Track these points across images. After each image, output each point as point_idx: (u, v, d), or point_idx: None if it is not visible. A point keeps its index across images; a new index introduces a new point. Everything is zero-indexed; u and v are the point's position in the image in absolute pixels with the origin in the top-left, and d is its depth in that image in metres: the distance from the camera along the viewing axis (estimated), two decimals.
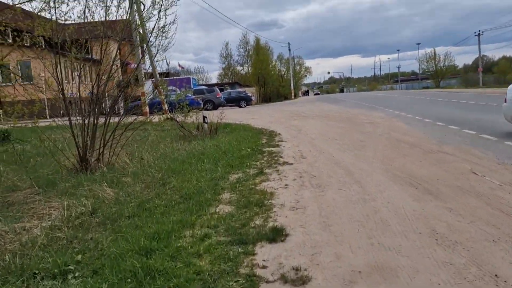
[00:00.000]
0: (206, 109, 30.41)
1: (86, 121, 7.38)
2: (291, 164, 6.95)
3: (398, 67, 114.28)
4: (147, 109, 17.82)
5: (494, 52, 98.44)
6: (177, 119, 11.82)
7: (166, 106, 17.90)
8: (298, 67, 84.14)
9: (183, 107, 11.69)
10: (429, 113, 14.07)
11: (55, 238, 3.90)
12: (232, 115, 20.33)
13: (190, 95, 27.99)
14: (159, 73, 49.12)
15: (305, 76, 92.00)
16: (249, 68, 71.03)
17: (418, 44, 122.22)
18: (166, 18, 8.61)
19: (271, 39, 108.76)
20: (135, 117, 9.62)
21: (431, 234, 3.48)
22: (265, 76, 59.64)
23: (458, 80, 74.30)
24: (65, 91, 7.54)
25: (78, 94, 8.20)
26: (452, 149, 7.27)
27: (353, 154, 7.49)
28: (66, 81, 7.97)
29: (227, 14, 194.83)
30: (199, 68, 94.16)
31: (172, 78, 40.65)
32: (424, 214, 3.99)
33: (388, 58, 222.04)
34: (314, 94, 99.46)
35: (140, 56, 15.51)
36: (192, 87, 34.24)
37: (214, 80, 77.80)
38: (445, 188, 4.83)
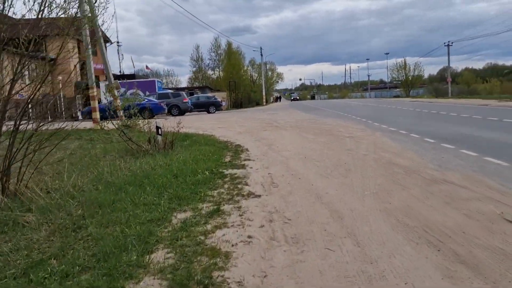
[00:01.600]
0: (172, 115, 28.51)
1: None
2: (259, 196, 5.30)
3: (368, 76, 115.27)
4: (97, 115, 15.75)
5: (457, 64, 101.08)
6: (127, 128, 9.97)
7: (121, 112, 15.94)
8: (270, 73, 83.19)
9: (131, 115, 9.82)
10: (413, 127, 12.77)
11: None
12: (197, 122, 18.57)
13: (153, 99, 26.01)
14: (123, 75, 46.95)
15: (277, 82, 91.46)
16: (221, 73, 69.46)
17: (387, 54, 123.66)
18: None
19: (243, 43, 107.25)
20: (64, 124, 7.72)
21: None
22: (236, 81, 58.12)
23: (425, 89, 75.22)
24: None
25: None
26: (460, 178, 5.80)
27: (337, 182, 5.92)
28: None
29: (201, 18, 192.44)
30: (169, 71, 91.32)
31: (133, 80, 38.36)
32: None
33: (358, 67, 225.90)
34: (292, 100, 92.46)
35: (90, 51, 13.58)
36: (157, 90, 32.22)
37: (184, 84, 75.82)
38: (481, 252, 3.28)
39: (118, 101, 15.99)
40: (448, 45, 55.53)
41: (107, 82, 37.31)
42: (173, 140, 9.71)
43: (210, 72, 72.81)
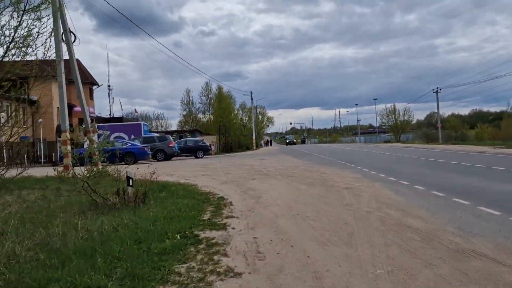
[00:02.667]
0: (157, 160, 27.25)
1: None
2: (239, 275, 4.06)
3: (358, 120, 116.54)
4: (69, 161, 14.40)
5: (444, 110, 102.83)
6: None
7: (99, 158, 14.69)
8: (260, 116, 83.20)
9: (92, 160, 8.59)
10: (414, 176, 11.71)
11: None
12: (181, 169, 17.34)
13: (136, 143, 24.85)
14: (111, 118, 45.98)
15: (268, 126, 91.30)
16: (211, 116, 69.04)
17: (375, 99, 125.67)
18: None
19: (234, 87, 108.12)
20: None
21: None
22: (226, 125, 57.49)
23: (414, 134, 75.34)
24: None
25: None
26: (493, 248, 4.63)
27: (339, 252, 4.70)
28: None
29: (193, 64, 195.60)
30: (159, 114, 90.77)
31: (117, 123, 37.38)
32: None
33: (347, 111, 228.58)
34: (288, 143, 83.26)
35: (63, 91, 12.65)
36: (143, 134, 31.14)
37: (174, 127, 75.06)
38: None
39: (94, 145, 14.79)
40: (436, 92, 55.96)
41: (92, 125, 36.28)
42: (146, 192, 8.46)
43: (200, 115, 72.43)
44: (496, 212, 6.42)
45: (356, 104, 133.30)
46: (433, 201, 7.61)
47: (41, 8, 6.61)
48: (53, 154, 29.72)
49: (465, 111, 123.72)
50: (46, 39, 6.73)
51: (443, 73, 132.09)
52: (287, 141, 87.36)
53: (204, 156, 33.79)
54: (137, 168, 9.99)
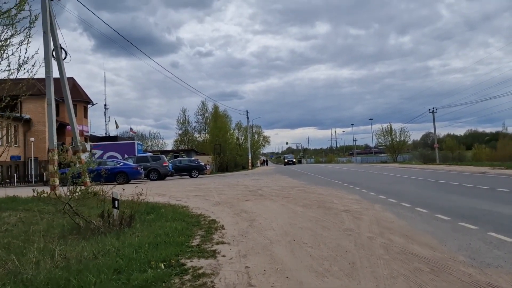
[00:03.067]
0: (150, 179, 26.68)
1: None
2: None
3: (355, 141, 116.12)
4: (56, 181, 13.92)
5: (439, 130, 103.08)
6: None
7: (87, 177, 14.16)
8: (256, 136, 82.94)
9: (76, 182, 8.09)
10: (416, 198, 11.25)
11: None
12: (173, 189, 16.81)
13: (128, 163, 24.32)
14: (105, 137, 45.53)
15: (264, 145, 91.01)
16: (207, 136, 68.69)
17: (371, 119, 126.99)
18: None
19: (230, 107, 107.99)
20: None
21: None
22: (222, 144, 57.10)
23: (409, 154, 75.19)
24: None
25: None
26: (511, 281, 4.16)
27: (340, 286, 4.20)
28: None
29: (189, 83, 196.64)
30: (154, 133, 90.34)
31: (110, 143, 36.87)
32: None
33: (343, 131, 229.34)
34: (286, 163, 77.68)
35: (52, 108, 12.24)
36: (136, 153, 30.64)
37: (170, 147, 74.74)
38: None
39: (84, 165, 14.28)
40: (433, 111, 55.97)
41: (89, 144, 35.69)
42: (133, 214, 7.95)
43: (196, 135, 72.10)
44: (508, 238, 5.95)
45: (352, 124, 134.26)
46: (439, 226, 7.13)
47: (31, 26, 6.28)
48: (44, 173, 29.08)
49: (460, 131, 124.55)
50: (33, 55, 6.40)
51: (437, 94, 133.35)
52: (286, 160, 78.74)
53: (199, 176, 33.28)
54: (123, 189, 9.49)
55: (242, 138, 72.95)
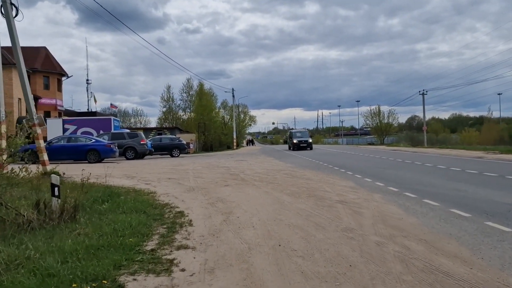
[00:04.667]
0: (126, 158, 24.91)
1: None
2: None
3: (342, 122, 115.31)
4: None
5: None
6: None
7: (44, 156, 12.42)
8: (242, 115, 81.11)
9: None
10: (418, 186, 9.85)
11: None
12: (146, 170, 15.16)
13: (101, 139, 22.47)
14: (81, 112, 43.33)
15: (250, 125, 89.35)
16: (192, 114, 66.60)
17: (358, 101, 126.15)
18: None
19: (216, 84, 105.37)
20: None
21: None
22: (206, 123, 55.26)
23: (395, 136, 74.51)
24: None
25: None
26: None
27: None
28: None
29: (176, 61, 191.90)
30: (138, 110, 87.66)
31: (83, 118, 34.75)
32: None
33: (330, 113, 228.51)
34: (297, 145, 39.43)
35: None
36: (112, 129, 28.70)
37: (153, 124, 72.55)
38: None
39: (41, 141, 12.49)
40: (423, 94, 54.65)
41: (57, 118, 33.46)
42: (77, 204, 6.32)
43: (181, 112, 69.86)
44: None
45: (339, 106, 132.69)
46: (461, 226, 5.69)
47: None
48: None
49: (445, 115, 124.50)
50: None
51: (424, 78, 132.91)
52: (295, 141, 40.18)
53: (181, 155, 31.59)
54: (83, 170, 7.84)
55: (228, 117, 71.08)
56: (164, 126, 62.44)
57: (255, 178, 12.06)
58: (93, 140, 20.99)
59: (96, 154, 20.29)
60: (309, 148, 38.49)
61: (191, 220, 6.22)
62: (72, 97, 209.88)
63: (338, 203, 7.63)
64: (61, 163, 19.32)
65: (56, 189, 6.27)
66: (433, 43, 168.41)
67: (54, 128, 27.71)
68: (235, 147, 56.58)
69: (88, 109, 55.19)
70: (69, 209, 6.19)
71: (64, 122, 30.02)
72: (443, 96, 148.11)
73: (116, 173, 13.70)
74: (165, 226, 5.88)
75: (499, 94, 73.21)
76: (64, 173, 9.47)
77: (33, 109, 12.08)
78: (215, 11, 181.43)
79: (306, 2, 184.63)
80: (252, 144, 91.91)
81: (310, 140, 40.09)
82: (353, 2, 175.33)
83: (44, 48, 38.92)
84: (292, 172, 14.29)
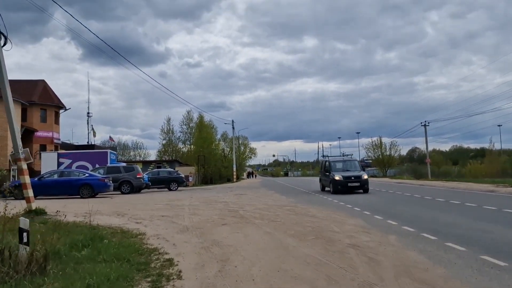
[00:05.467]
0: (122, 192, 24.00)
1: None
2: None
3: (343, 154, 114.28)
4: None
5: (424, 145, 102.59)
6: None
7: (29, 192, 11.55)
8: (243, 147, 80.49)
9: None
10: (436, 225, 8.94)
11: None
12: (139, 206, 14.23)
13: (95, 174, 21.60)
14: (79, 145, 42.61)
15: (250, 157, 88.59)
16: (191, 146, 65.96)
17: (358, 133, 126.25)
18: None
19: (216, 116, 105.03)
20: None
21: None
22: (206, 155, 54.48)
23: (397, 169, 73.51)
24: None
25: None
26: None
27: None
28: None
29: (177, 94, 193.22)
30: (137, 143, 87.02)
31: (79, 151, 34.01)
32: None
33: (330, 145, 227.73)
34: (344, 185, 20.30)
35: None
36: (109, 163, 27.92)
37: (153, 157, 71.84)
38: None
39: (26, 177, 11.65)
40: (425, 125, 54.25)
41: (52, 152, 32.70)
42: (47, 254, 5.42)
43: (180, 145, 69.25)
44: None
45: (339, 138, 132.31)
46: (501, 279, 4.78)
47: None
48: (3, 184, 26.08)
49: (445, 147, 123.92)
50: None
51: (422, 110, 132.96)
52: (337, 177, 20.75)
53: (179, 189, 30.69)
54: (64, 206, 6.96)
55: (228, 149, 70.42)
56: (164, 159, 61.68)
57: (255, 215, 11.13)
58: (87, 175, 20.13)
59: (89, 189, 19.40)
60: (361, 191, 20.77)
61: (180, 272, 5.30)
62: (73, 130, 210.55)
63: (350, 247, 6.71)
64: (53, 198, 18.44)
65: (24, 234, 5.39)
66: (431, 76, 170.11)
67: (48, 162, 26.92)
68: (235, 180, 55.55)
69: (88, 142, 54.65)
70: (38, 259, 5.30)
71: (59, 155, 29.25)
72: (443, 128, 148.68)
73: (107, 210, 12.81)
74: (149, 280, 4.97)
75: (499, 125, 72.77)
76: (58, 211, 8.64)
77: (19, 143, 11.31)
78: (216, 45, 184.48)
79: (304, 37, 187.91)
80: (252, 177, 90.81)
81: (366, 176, 21.72)
82: (351, 36, 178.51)
83: (42, 81, 38.66)
84: (295, 208, 13.36)
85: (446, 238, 7.30)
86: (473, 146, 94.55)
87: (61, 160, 28.64)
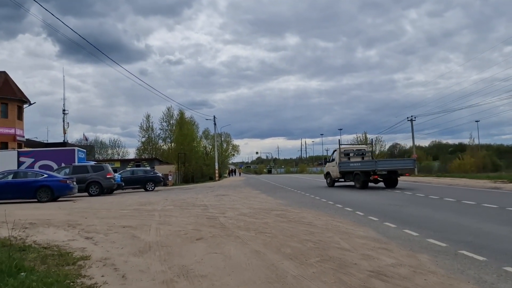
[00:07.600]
0: (90, 194, 21.62)
1: None
2: None
3: (326, 150, 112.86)
4: None
5: (405, 141, 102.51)
6: None
7: None
8: (225, 145, 78.28)
9: None
10: (467, 235, 7.07)
11: None
12: (100, 213, 11.97)
13: (55, 174, 19.14)
14: (47, 143, 39.64)
15: (233, 154, 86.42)
16: (172, 144, 63.41)
17: (340, 129, 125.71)
18: None
19: (197, 111, 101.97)
20: None
21: None
22: (187, 153, 52.14)
23: None
24: None
25: None
26: None
27: None
28: None
29: (159, 91, 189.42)
30: (115, 141, 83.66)
31: (42, 149, 31.35)
32: None
33: (312, 141, 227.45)
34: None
35: None
36: (77, 162, 25.45)
37: (132, 156, 69.10)
38: None
39: None
40: (411, 120, 53.15)
41: (12, 150, 29.84)
42: None
43: (160, 143, 66.51)
44: None
45: (322, 134, 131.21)
46: None
47: None
48: None
49: (425, 142, 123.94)
50: None
51: (402, 106, 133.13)
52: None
53: (156, 189, 28.42)
54: (8, 213, 4.78)
55: (210, 147, 68.11)
56: (143, 157, 59.03)
57: (240, 225, 9.07)
58: (45, 175, 17.64)
59: (48, 192, 16.97)
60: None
61: None
62: (48, 128, 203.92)
63: (374, 277, 4.72)
64: (5, 203, 16.02)
65: None
66: (410, 73, 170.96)
67: (7, 161, 24.18)
68: (217, 178, 53.35)
69: (64, 141, 51.69)
70: None
71: (19, 154, 26.51)
72: (423, 124, 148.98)
73: (58, 219, 10.57)
74: None
75: (477, 121, 72.42)
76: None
77: None
78: (197, 42, 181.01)
79: (286, 34, 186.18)
80: (235, 174, 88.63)
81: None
82: (332, 34, 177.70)
83: (4, 72, 35.61)
84: (286, 212, 11.34)
85: (497, 257, 5.40)
86: (451, 141, 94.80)
87: (22, 159, 25.94)
